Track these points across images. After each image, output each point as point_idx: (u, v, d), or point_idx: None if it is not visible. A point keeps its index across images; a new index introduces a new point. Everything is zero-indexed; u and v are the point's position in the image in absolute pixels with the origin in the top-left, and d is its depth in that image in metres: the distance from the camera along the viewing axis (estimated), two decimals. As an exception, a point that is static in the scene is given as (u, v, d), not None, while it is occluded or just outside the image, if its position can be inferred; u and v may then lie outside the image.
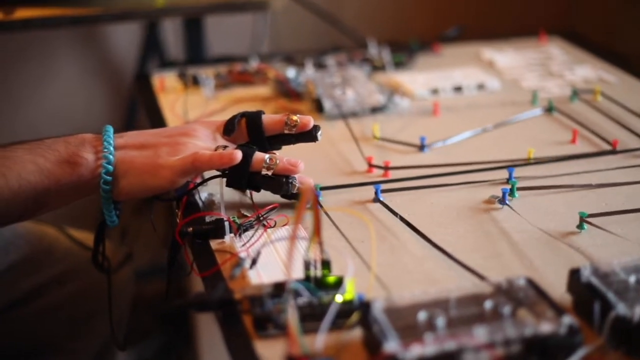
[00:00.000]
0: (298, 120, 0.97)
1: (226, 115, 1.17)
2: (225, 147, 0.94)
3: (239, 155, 0.90)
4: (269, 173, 0.93)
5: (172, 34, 1.98)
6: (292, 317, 0.69)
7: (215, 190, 1.00)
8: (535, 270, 0.84)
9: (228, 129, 0.97)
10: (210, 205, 0.98)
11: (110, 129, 0.95)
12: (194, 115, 1.25)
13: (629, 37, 1.97)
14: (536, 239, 0.90)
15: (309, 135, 0.98)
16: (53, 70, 2.08)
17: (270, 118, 0.98)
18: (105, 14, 1.45)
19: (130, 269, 1.33)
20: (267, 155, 0.93)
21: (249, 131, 0.98)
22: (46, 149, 0.92)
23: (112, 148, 0.92)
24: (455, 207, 0.97)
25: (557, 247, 0.88)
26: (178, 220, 0.96)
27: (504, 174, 1.04)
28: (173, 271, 0.95)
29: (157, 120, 1.25)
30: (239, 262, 0.79)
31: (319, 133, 0.98)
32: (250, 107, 1.25)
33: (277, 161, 0.92)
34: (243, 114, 0.99)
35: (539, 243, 0.89)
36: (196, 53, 1.67)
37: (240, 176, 0.93)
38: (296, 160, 0.93)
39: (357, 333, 0.74)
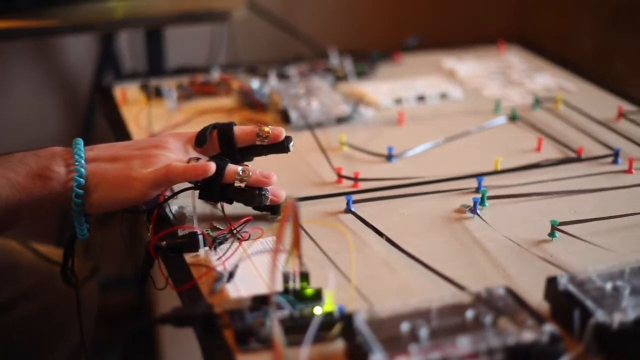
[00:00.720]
0: (270, 132, 0.97)
1: (191, 127, 1.17)
2: (197, 159, 0.93)
3: (212, 167, 0.90)
4: (242, 185, 0.92)
5: (128, 45, 1.96)
6: (276, 331, 0.69)
7: (185, 202, 0.99)
8: (510, 278, 0.85)
9: (200, 140, 0.97)
10: (181, 218, 0.97)
11: (81, 141, 0.94)
12: (159, 127, 1.24)
13: (579, 44, 2.00)
14: (509, 248, 0.90)
15: (281, 147, 0.98)
16: (5, 81, 2.05)
17: (241, 130, 0.98)
18: (65, 25, 1.43)
19: (95, 282, 1.32)
20: (240, 167, 0.93)
21: (220, 143, 0.98)
22: (16, 162, 0.91)
23: (83, 161, 0.91)
24: (426, 217, 0.97)
25: (530, 255, 0.89)
26: (149, 234, 0.95)
27: (472, 183, 1.04)
28: (140, 284, 0.94)
29: (121, 132, 1.24)
30: (219, 277, 0.79)
31: (291, 144, 0.98)
32: (215, 119, 1.24)
33: (250, 173, 0.92)
34: (214, 126, 0.98)
35: (512, 252, 0.90)
36: (156, 64, 1.66)
37: (213, 188, 0.92)
38: (269, 172, 0.93)
39: (339, 345, 0.74)
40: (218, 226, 0.94)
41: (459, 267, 0.87)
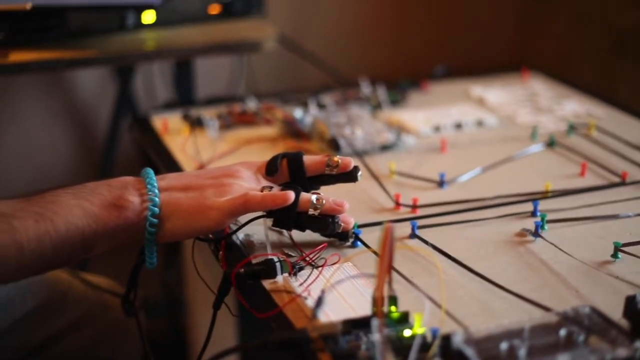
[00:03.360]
0: (340, 161, 0.99)
1: (239, 156, 1.20)
2: (270, 187, 0.95)
3: (292, 196, 0.92)
4: (316, 213, 0.94)
5: (143, 76, 1.99)
6: (387, 353, 0.70)
7: (251, 230, 1.01)
8: (583, 298, 0.87)
9: (271, 169, 0.99)
10: (250, 245, 0.99)
11: (151, 171, 0.96)
12: (206, 156, 1.25)
13: (580, 69, 2.04)
14: (575, 269, 0.93)
15: (349, 176, 1.00)
16: (17, 111, 2.06)
17: (311, 159, 1.00)
18: (100, 57, 1.44)
19: (142, 311, 1.32)
20: (313, 196, 0.94)
21: (290, 172, 0.99)
22: (90, 192, 0.92)
23: (156, 190, 0.93)
24: (489, 241, 1.00)
25: (597, 275, 0.91)
26: (220, 262, 0.97)
27: (525, 207, 1.07)
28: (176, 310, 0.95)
29: (168, 162, 1.25)
30: (318, 302, 0.80)
31: (359, 174, 1.00)
32: (260, 148, 1.28)
33: (324, 201, 0.94)
34: (284, 155, 1.00)
35: (579, 273, 0.92)
36: (186, 94, 1.68)
37: (289, 216, 0.94)
38: (342, 201, 0.95)
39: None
40: (290, 253, 0.96)
41: (532, 289, 0.89)
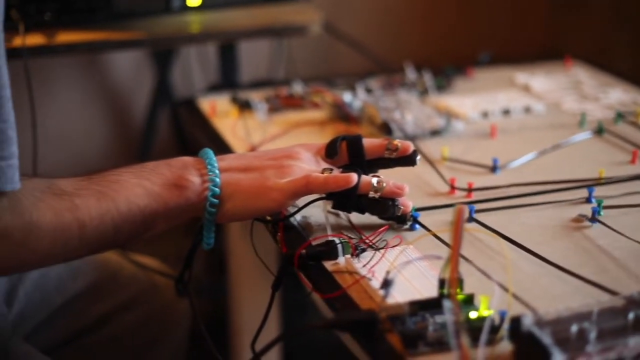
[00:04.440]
0: (399, 145, 0.99)
1: (290, 139, 1.20)
2: (331, 169, 0.95)
3: (355, 178, 0.92)
4: (376, 196, 0.94)
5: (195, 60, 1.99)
6: (461, 333, 0.71)
7: (308, 213, 1.01)
8: (646, 283, 0.87)
9: (331, 152, 0.99)
10: (308, 227, 1.00)
11: (211, 152, 0.96)
12: (256, 139, 1.26)
13: (617, 59, 2.04)
14: (634, 255, 0.93)
15: (409, 160, 1.00)
16: (51, 95, 2.07)
17: (371, 142, 1.00)
18: (148, 38, 1.45)
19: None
20: (374, 179, 0.95)
21: (349, 154, 1.00)
22: (150, 172, 0.93)
23: (217, 171, 0.93)
24: (546, 226, 1.00)
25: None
26: (279, 244, 0.97)
27: (578, 194, 1.07)
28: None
29: (219, 144, 1.26)
30: (388, 283, 0.80)
31: (418, 158, 1.01)
32: (309, 131, 1.29)
33: (384, 184, 0.94)
34: (343, 137, 1.01)
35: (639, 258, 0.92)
36: (230, 78, 1.68)
37: (350, 199, 0.94)
38: (402, 184, 0.95)
39: (504, 347, 0.76)
40: (349, 235, 0.96)
41: (593, 273, 0.89)
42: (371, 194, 0.94)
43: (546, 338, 0.72)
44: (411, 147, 1.00)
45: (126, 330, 1.23)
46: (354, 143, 1.00)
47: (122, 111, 2.14)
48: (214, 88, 1.56)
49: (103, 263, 1.23)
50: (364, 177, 0.95)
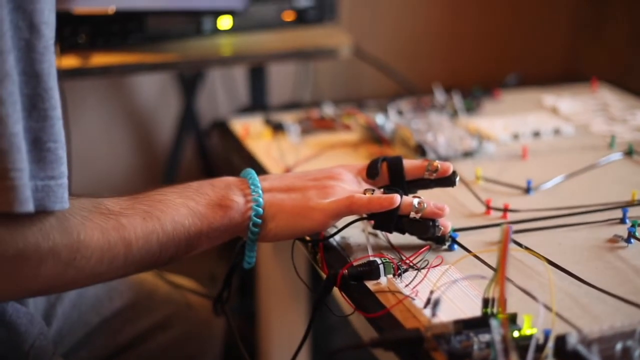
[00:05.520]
0: (439, 166, 1.01)
1: (324, 161, 1.22)
2: (372, 190, 0.97)
3: (398, 199, 0.94)
4: (417, 216, 0.96)
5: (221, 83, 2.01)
6: (512, 352, 0.72)
7: (347, 233, 1.03)
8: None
9: (372, 172, 1.01)
10: (347, 247, 1.01)
11: (253, 172, 0.98)
12: (290, 160, 1.27)
13: (637, 79, 2.05)
14: (672, 275, 0.94)
15: (448, 181, 1.02)
16: (77, 116, 2.09)
17: (411, 163, 1.02)
18: (180, 61, 1.47)
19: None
20: (415, 199, 0.96)
21: (390, 175, 1.01)
22: (195, 192, 0.94)
23: (260, 191, 0.95)
24: (582, 247, 1.01)
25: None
26: (319, 264, 0.99)
27: (612, 214, 1.08)
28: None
29: (253, 165, 1.27)
30: (436, 303, 0.82)
31: (457, 179, 1.02)
32: (343, 153, 1.30)
33: (425, 205, 0.96)
34: (384, 158, 1.02)
35: (677, 279, 0.93)
36: (260, 100, 1.70)
37: (391, 219, 0.95)
38: (442, 205, 0.97)
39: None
40: (390, 255, 0.97)
41: (631, 292, 0.90)
42: (412, 215, 0.96)
43: (593, 357, 0.73)
44: (451, 168, 1.01)
45: (161, 349, 1.24)
46: (395, 164, 1.02)
47: (147, 135, 2.16)
48: (245, 110, 1.58)
49: (138, 283, 1.25)
50: (406, 198, 0.96)
